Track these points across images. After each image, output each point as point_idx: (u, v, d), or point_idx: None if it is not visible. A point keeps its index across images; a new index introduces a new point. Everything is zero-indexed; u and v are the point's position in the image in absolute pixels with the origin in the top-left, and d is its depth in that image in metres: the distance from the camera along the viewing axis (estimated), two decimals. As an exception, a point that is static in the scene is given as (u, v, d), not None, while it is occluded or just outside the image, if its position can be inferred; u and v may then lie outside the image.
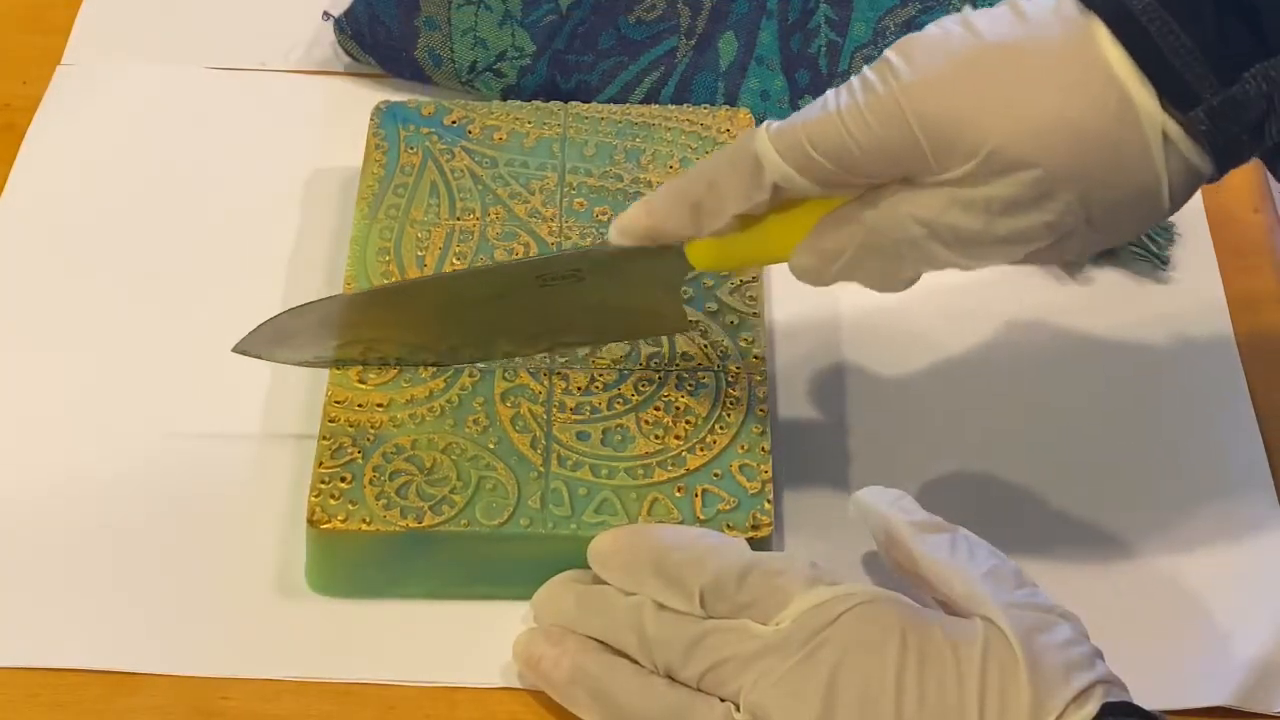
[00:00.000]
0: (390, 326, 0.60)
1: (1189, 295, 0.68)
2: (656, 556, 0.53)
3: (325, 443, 0.58)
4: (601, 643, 0.54)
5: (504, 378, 0.60)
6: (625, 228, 0.55)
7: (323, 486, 0.57)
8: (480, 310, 0.59)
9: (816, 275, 0.54)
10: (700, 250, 0.56)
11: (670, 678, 0.52)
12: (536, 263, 0.61)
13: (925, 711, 0.48)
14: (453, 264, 0.64)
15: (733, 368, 0.61)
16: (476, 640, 0.57)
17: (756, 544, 0.56)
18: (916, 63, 0.50)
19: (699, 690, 0.51)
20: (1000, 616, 0.50)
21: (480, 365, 0.60)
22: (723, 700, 0.51)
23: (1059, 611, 0.51)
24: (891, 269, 0.53)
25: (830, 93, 0.51)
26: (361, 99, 0.74)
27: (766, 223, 0.54)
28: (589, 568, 0.56)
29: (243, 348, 0.60)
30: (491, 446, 0.58)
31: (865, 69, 0.51)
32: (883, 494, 0.57)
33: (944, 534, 0.54)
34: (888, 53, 0.51)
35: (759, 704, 0.50)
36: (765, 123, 0.52)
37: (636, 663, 0.53)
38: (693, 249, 0.56)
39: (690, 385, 0.60)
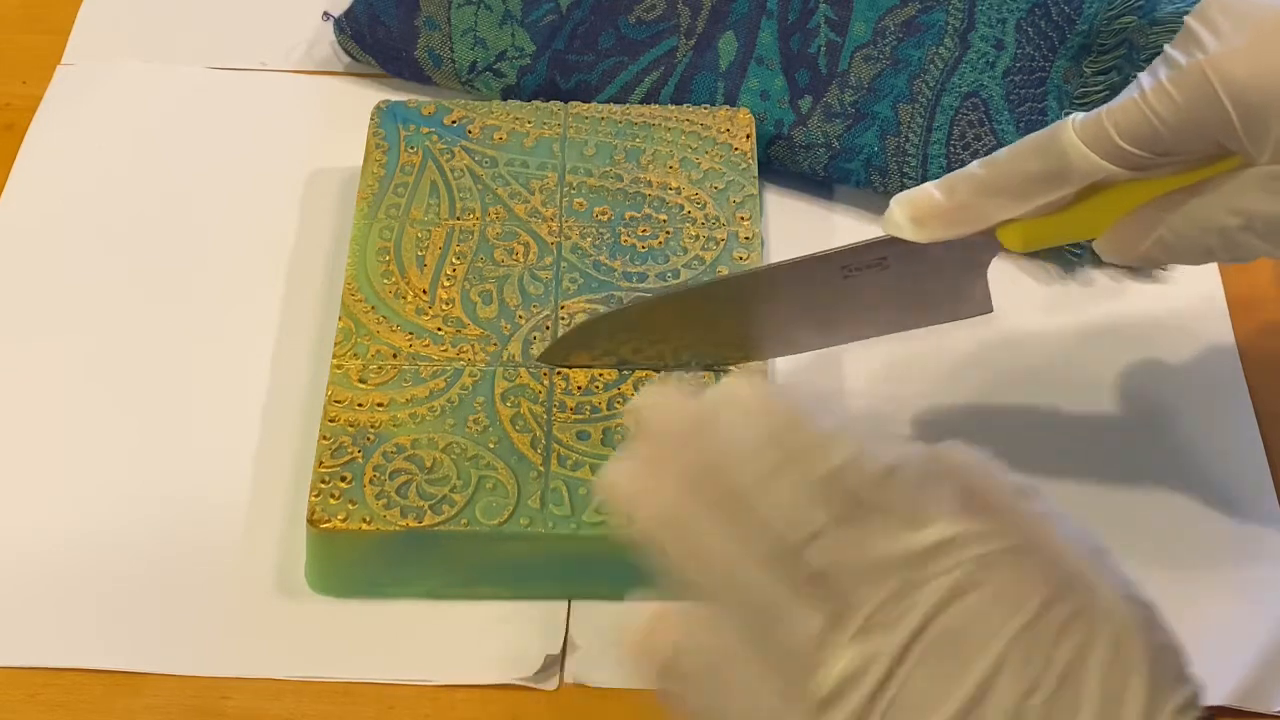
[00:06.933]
0: (690, 328, 0.59)
1: (1189, 295, 0.68)
2: (787, 421, 0.41)
3: (325, 442, 0.58)
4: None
5: (504, 377, 0.60)
6: (920, 217, 0.53)
7: (323, 486, 0.57)
8: (783, 306, 0.58)
9: (1122, 258, 0.53)
10: (1012, 233, 0.54)
11: (778, 550, 0.40)
12: (843, 253, 0.56)
13: (1040, 686, 0.40)
14: (453, 264, 0.64)
15: (733, 368, 0.61)
16: (476, 640, 0.57)
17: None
18: (1222, 30, 0.48)
19: (802, 592, 0.40)
20: (1123, 607, 0.43)
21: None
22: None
23: (1147, 600, 0.44)
24: (1196, 258, 0.51)
25: (1139, 76, 0.50)
26: (361, 99, 0.74)
27: (1076, 207, 0.52)
28: (590, 566, 0.56)
29: (548, 358, 0.61)
30: (491, 446, 0.58)
31: (1167, 46, 0.50)
32: (969, 452, 0.44)
33: (1042, 501, 0.45)
34: (1188, 19, 0.49)
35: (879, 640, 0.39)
36: (1070, 115, 0.51)
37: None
38: (1004, 231, 0.54)
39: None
